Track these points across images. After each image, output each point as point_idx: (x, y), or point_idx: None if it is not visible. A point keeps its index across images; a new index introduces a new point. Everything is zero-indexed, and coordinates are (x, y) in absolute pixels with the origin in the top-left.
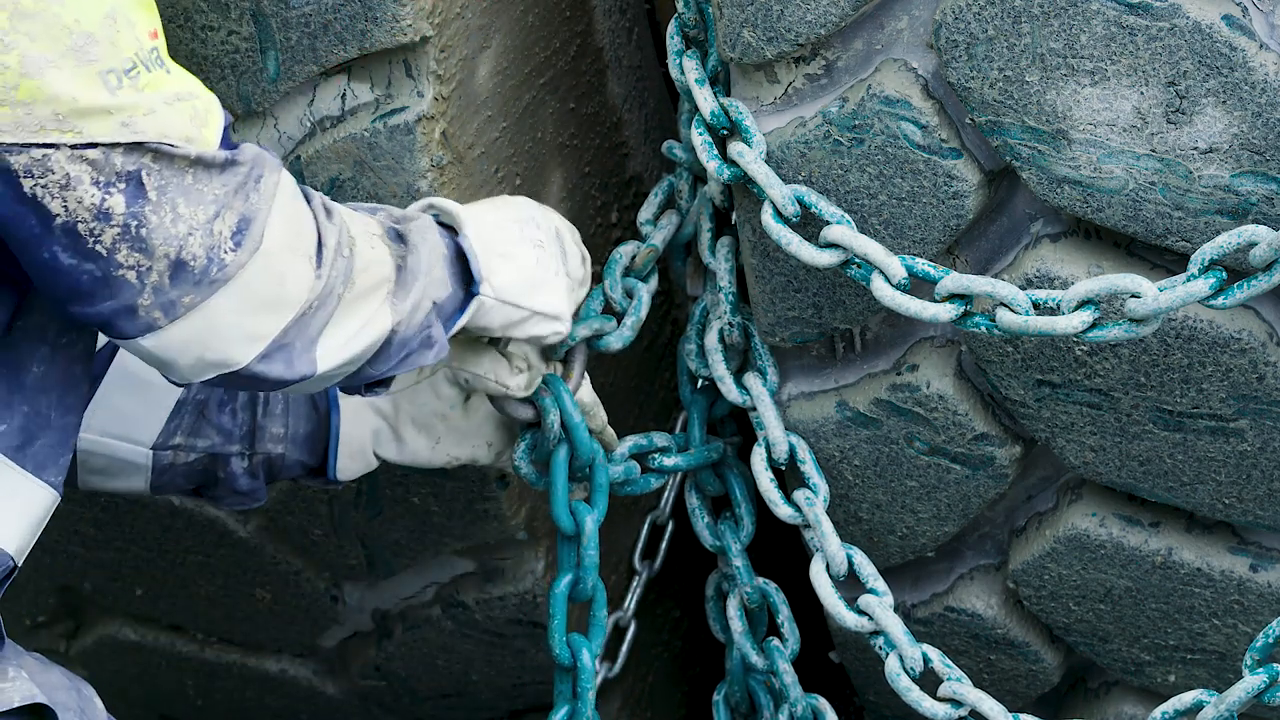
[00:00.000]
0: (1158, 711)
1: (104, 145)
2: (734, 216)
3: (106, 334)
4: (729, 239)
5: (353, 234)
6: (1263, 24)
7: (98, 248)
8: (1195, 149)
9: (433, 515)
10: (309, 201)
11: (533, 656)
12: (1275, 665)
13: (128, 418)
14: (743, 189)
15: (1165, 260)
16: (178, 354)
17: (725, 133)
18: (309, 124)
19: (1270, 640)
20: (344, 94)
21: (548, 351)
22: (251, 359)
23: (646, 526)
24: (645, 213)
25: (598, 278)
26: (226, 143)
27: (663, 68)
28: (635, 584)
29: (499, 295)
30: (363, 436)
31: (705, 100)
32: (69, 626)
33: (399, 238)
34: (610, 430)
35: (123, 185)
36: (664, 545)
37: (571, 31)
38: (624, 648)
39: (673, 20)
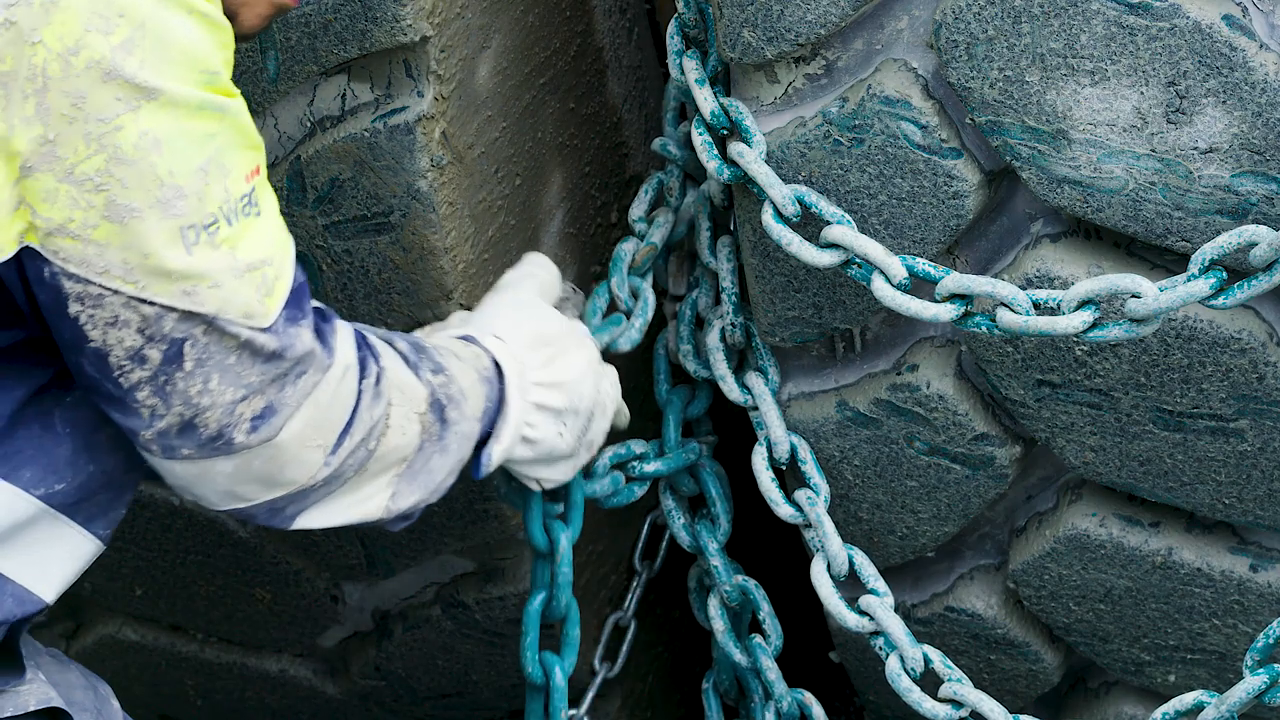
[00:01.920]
0: (1158, 712)
1: (161, 305)
2: (733, 216)
3: None
4: (730, 238)
5: (390, 421)
6: (1263, 24)
7: (121, 379)
8: (1195, 149)
9: (433, 515)
10: (363, 377)
11: None
12: (1276, 665)
13: None
14: (743, 189)
15: (1165, 260)
16: (165, 476)
17: (725, 133)
18: (309, 124)
19: (1270, 640)
20: (344, 94)
21: None
22: (228, 509)
23: (646, 526)
24: (636, 210)
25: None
26: (294, 306)
27: (663, 68)
28: (635, 584)
29: (498, 463)
30: None
31: (705, 100)
32: (69, 626)
33: (440, 416)
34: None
35: (164, 346)
36: (664, 545)
37: (571, 31)
38: (624, 648)
39: (673, 20)
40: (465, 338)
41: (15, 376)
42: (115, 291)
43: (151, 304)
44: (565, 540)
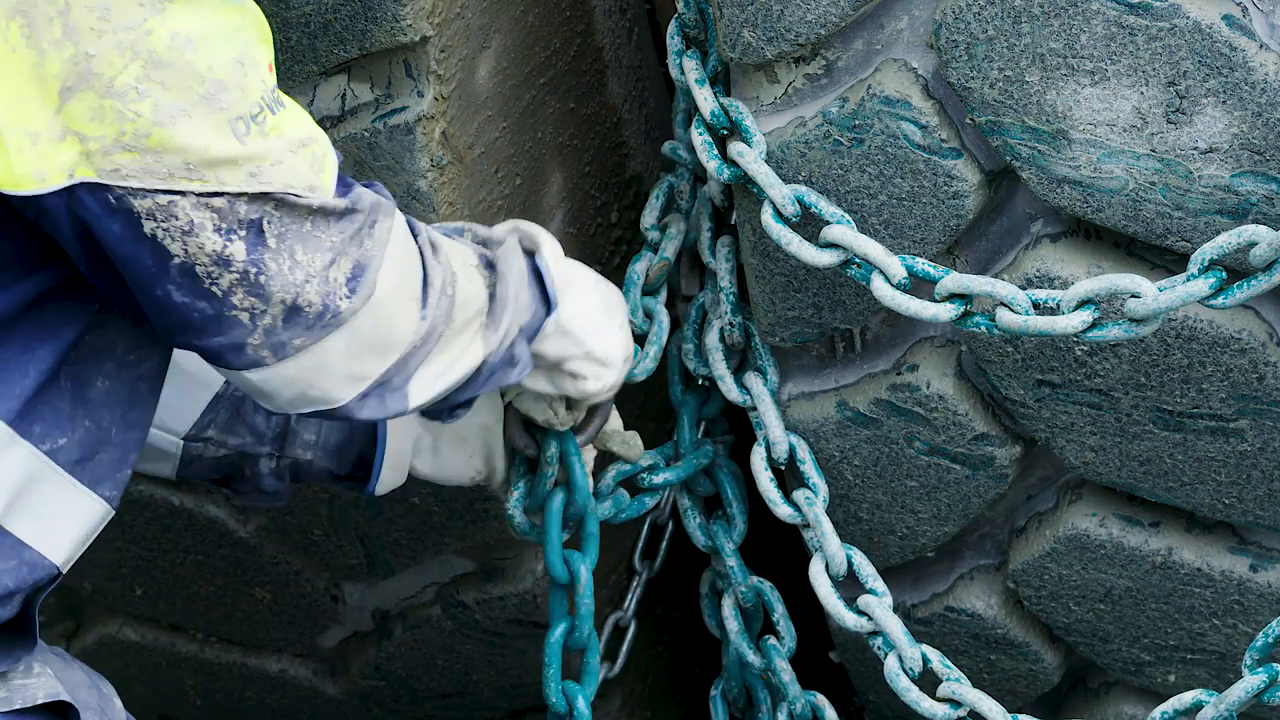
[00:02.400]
0: (1157, 711)
1: (230, 194)
2: (734, 216)
3: (212, 364)
4: (729, 239)
5: (454, 269)
6: (1263, 24)
7: (213, 289)
8: (1195, 149)
9: (433, 515)
10: (416, 237)
11: (533, 657)
12: (1275, 665)
13: (165, 406)
14: (743, 189)
15: (1165, 260)
16: (281, 389)
17: (725, 133)
18: None
19: (1270, 640)
20: (344, 94)
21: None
22: (352, 398)
23: (646, 526)
24: (648, 217)
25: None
26: (341, 183)
27: (663, 68)
28: (635, 584)
29: (562, 324)
30: (406, 449)
31: (705, 100)
32: (69, 626)
33: (489, 265)
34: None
35: (244, 233)
36: (664, 545)
37: (571, 31)
38: (624, 648)
39: (673, 20)
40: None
41: (50, 329)
42: (183, 193)
43: (221, 195)
44: (585, 570)
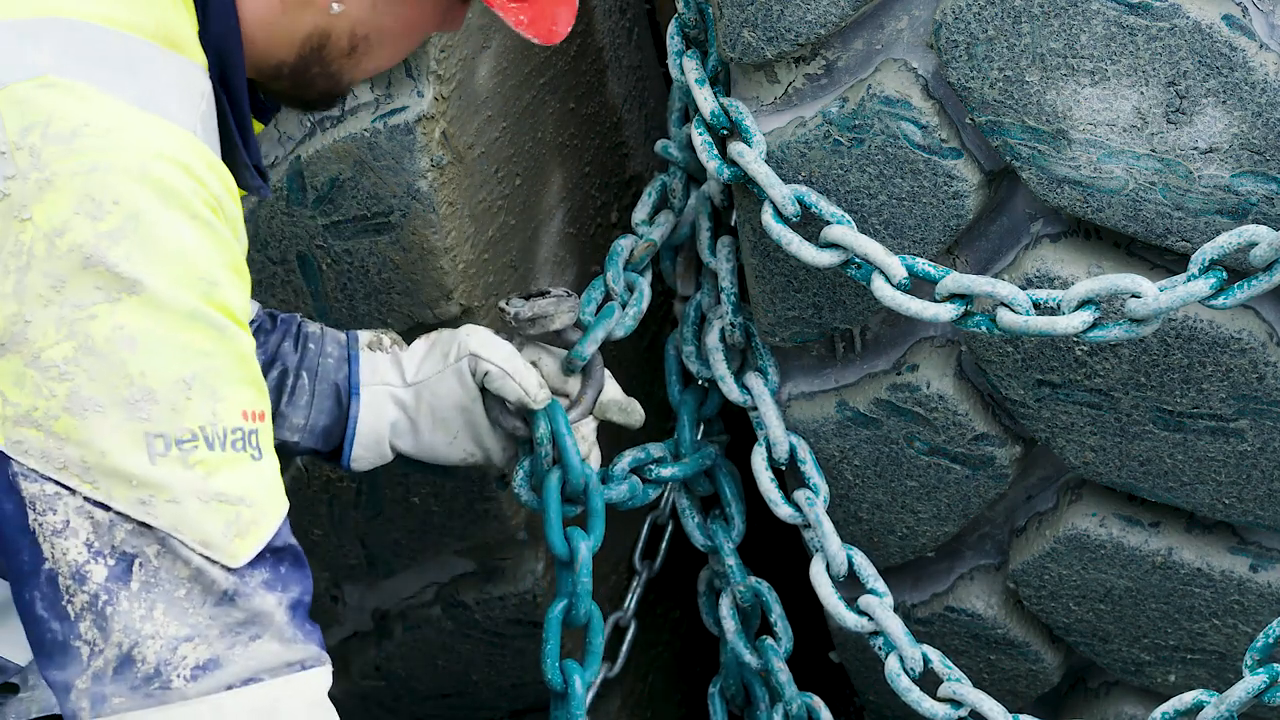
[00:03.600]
0: (1158, 712)
1: (115, 512)
2: (734, 216)
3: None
4: (729, 239)
5: None
6: (1263, 24)
7: (68, 608)
8: (1195, 149)
9: (433, 515)
10: None
11: (533, 656)
12: (1275, 665)
13: None
14: (743, 189)
15: (1165, 260)
16: None
17: (725, 133)
18: (309, 124)
19: (1270, 640)
20: None
21: (566, 368)
22: None
23: (646, 526)
24: (640, 213)
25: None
26: (270, 570)
27: (663, 68)
28: (635, 584)
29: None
30: (380, 429)
31: (705, 100)
32: None
33: None
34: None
35: (111, 561)
36: (664, 545)
37: (571, 31)
38: (624, 648)
39: (673, 20)
40: None
41: None
42: (71, 490)
43: (106, 509)
44: (585, 549)
